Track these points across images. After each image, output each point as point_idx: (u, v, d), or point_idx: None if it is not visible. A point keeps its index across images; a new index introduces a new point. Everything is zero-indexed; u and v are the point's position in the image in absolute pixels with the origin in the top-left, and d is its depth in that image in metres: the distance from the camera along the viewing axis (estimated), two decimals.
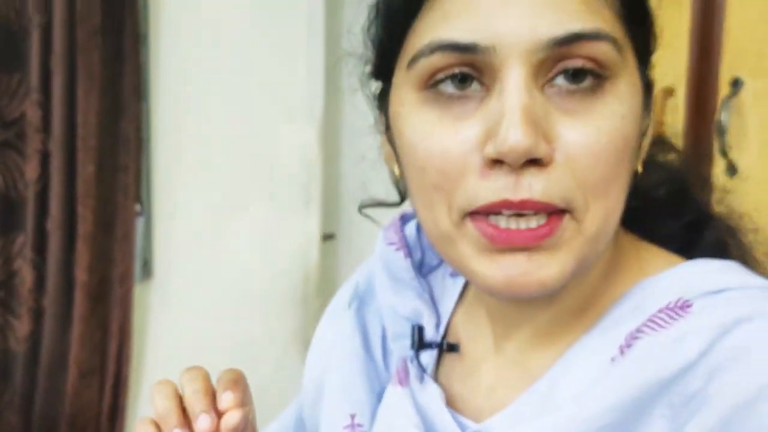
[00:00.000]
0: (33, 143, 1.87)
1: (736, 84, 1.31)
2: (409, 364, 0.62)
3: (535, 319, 0.58)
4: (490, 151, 0.48)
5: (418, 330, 0.63)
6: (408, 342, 0.63)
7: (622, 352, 0.52)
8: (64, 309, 1.95)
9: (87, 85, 1.92)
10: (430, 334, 0.63)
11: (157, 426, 0.60)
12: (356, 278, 0.74)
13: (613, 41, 0.50)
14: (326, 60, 2.26)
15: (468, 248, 0.52)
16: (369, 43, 0.60)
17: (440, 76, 0.51)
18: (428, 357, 0.63)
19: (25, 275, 1.90)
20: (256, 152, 2.20)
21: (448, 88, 0.51)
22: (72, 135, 1.91)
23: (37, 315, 1.93)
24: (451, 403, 0.60)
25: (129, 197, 2.02)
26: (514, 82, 0.48)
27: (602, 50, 0.49)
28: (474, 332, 0.63)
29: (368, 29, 0.60)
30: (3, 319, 1.92)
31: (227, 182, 2.18)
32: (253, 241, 2.22)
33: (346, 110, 2.44)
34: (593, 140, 0.49)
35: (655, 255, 0.59)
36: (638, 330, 0.52)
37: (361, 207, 0.79)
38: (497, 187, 0.49)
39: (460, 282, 0.67)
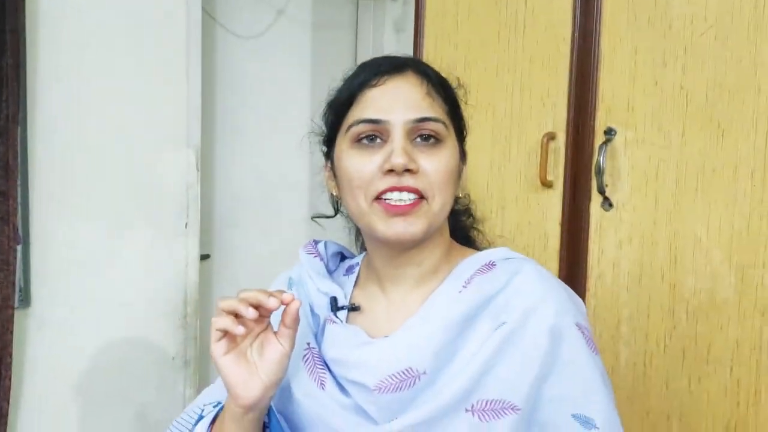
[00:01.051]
0: None
1: (609, 132, 1.57)
2: (334, 317, 1.03)
3: (408, 277, 1.02)
4: (387, 166, 0.95)
5: (334, 299, 1.05)
6: (327, 308, 1.05)
7: (464, 286, 0.99)
8: None
9: None
10: (341, 301, 1.05)
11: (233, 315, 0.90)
12: (287, 275, 1.14)
13: (443, 123, 0.98)
14: (203, 88, 2.31)
15: (375, 218, 0.97)
16: (323, 125, 1.06)
17: (362, 136, 0.98)
18: (341, 315, 1.04)
19: None
20: (134, 176, 2.21)
21: (365, 141, 0.98)
22: None
23: None
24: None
25: (8, 224, 1.96)
26: (397, 137, 0.96)
27: (438, 126, 0.98)
28: (367, 298, 1.06)
29: (323, 116, 1.05)
30: None
31: (106, 207, 2.16)
32: (133, 265, 2.22)
33: (220, 135, 2.50)
34: (436, 166, 0.96)
35: (468, 249, 1.08)
36: (471, 277, 1.00)
37: (313, 217, 1.18)
38: (390, 182, 0.95)
39: (353, 276, 1.10)
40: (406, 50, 2.35)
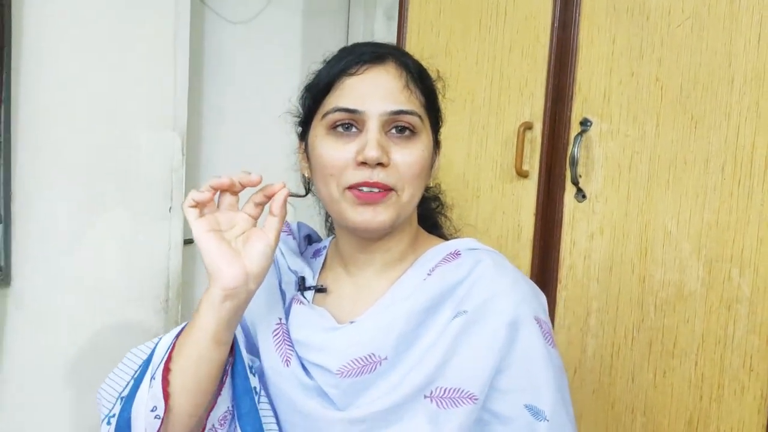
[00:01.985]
0: None
1: (585, 123, 1.56)
2: (301, 297, 1.05)
3: (375, 263, 1.04)
4: (360, 158, 0.95)
5: (302, 278, 1.07)
6: (294, 286, 1.07)
7: (429, 274, 1.01)
8: None
9: None
10: (309, 282, 1.07)
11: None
12: None
13: (418, 116, 0.99)
14: (190, 72, 2.30)
15: (345, 205, 0.97)
16: (300, 106, 1.06)
17: (338, 123, 0.98)
18: (308, 295, 1.06)
19: None
20: (119, 158, 2.20)
21: (341, 129, 0.98)
22: None
23: None
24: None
25: None
26: (372, 129, 0.96)
27: (413, 119, 0.98)
28: (334, 281, 1.07)
29: (300, 99, 1.06)
30: None
31: (89, 188, 2.16)
32: (115, 247, 2.22)
33: (207, 121, 2.49)
34: (408, 159, 0.97)
35: (435, 237, 1.10)
36: (436, 265, 1.01)
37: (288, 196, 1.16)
38: (363, 175, 0.95)
39: (320, 258, 1.12)
40: (396, 38, 2.35)
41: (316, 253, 1.14)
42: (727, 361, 1.37)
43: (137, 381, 0.96)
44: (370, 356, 0.96)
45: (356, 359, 0.96)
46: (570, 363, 1.54)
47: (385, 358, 0.95)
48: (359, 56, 0.99)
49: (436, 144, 1.05)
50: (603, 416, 1.51)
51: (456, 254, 1.02)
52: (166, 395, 0.92)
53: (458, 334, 0.94)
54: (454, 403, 0.92)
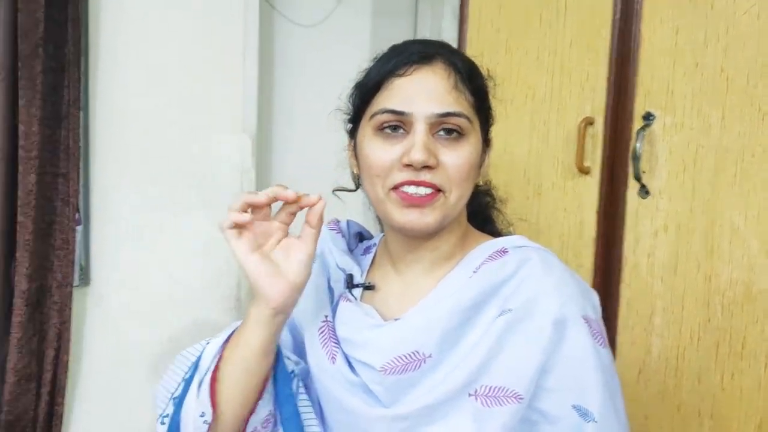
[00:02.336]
0: None
1: (648, 117, 1.51)
2: (349, 295, 1.06)
3: (423, 261, 1.03)
4: (405, 160, 0.95)
5: (350, 276, 1.08)
6: (343, 284, 1.08)
7: (474, 272, 0.99)
8: (3, 316, 1.97)
9: (29, 95, 1.94)
10: (357, 279, 1.08)
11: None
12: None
13: (467, 117, 0.97)
14: (260, 75, 2.35)
15: (391, 206, 0.97)
16: (350, 104, 1.07)
17: (385, 125, 0.98)
18: (356, 292, 1.07)
19: None
20: (192, 161, 2.27)
21: (388, 131, 0.98)
22: (14, 145, 1.92)
23: None
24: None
25: (69, 206, 2.05)
26: (419, 131, 0.95)
27: (461, 121, 0.97)
28: (382, 278, 1.07)
29: (350, 97, 1.07)
30: None
31: (163, 191, 2.23)
32: (189, 247, 2.29)
33: (276, 123, 2.54)
34: (456, 161, 0.96)
35: (484, 235, 1.08)
36: (482, 263, 1.00)
37: (334, 191, 1.22)
38: (407, 175, 0.95)
39: (369, 256, 1.13)
40: (464, 37, 2.33)
41: (366, 251, 1.14)
42: None
43: (187, 383, 1.00)
44: (413, 354, 0.96)
45: (400, 356, 0.96)
46: (634, 363, 1.50)
47: (430, 356, 0.95)
48: (408, 56, 0.98)
49: (486, 143, 1.04)
50: (669, 419, 1.46)
51: (503, 252, 1.01)
52: (214, 403, 0.96)
53: (503, 333, 0.93)
54: (499, 402, 0.91)
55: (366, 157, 0.98)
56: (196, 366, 1.01)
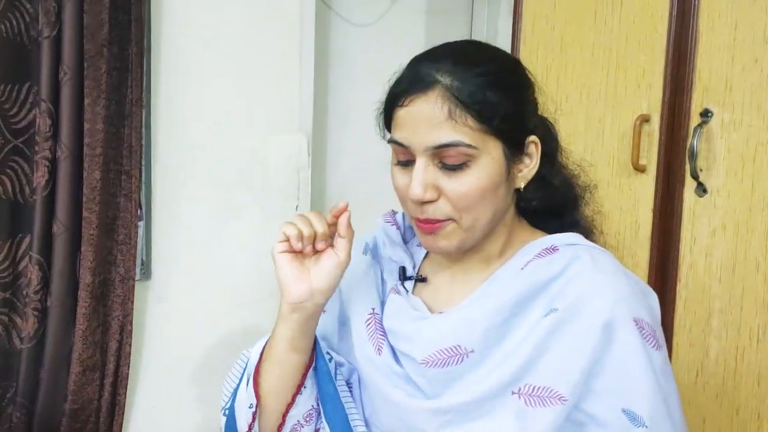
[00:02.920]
0: (41, 150, 1.95)
1: (705, 114, 1.49)
2: (400, 287, 1.06)
3: (472, 259, 1.03)
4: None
5: (402, 269, 1.08)
6: (396, 276, 1.09)
7: (522, 269, 0.98)
8: (68, 308, 2.04)
9: (94, 94, 2.01)
10: (409, 272, 1.08)
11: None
12: (364, 241, 1.15)
13: (467, 145, 0.93)
14: (316, 75, 2.38)
15: (416, 230, 0.99)
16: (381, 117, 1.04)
17: (398, 153, 0.98)
18: (408, 285, 1.08)
19: (32, 276, 1.98)
20: (249, 160, 2.31)
21: (401, 159, 0.98)
22: (79, 142, 1.99)
23: (43, 314, 2.01)
24: (426, 308, 1.04)
25: (131, 202, 2.11)
26: (419, 166, 0.95)
27: (461, 150, 0.93)
28: (435, 271, 1.07)
29: (379, 114, 1.04)
30: (8, 318, 2.00)
31: (222, 188, 2.28)
32: (245, 245, 2.33)
33: (332, 122, 2.57)
34: (459, 190, 0.94)
35: (538, 232, 1.05)
36: (531, 260, 0.98)
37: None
38: (415, 210, 0.96)
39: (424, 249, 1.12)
40: (518, 35, 2.32)
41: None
42: None
43: (240, 379, 1.08)
44: (455, 348, 0.96)
45: (441, 350, 0.97)
46: (691, 365, 1.48)
47: (472, 351, 0.95)
48: (407, 84, 0.96)
49: (520, 148, 0.98)
50: (727, 422, 1.44)
51: (553, 249, 0.99)
52: (258, 396, 1.04)
53: (550, 332, 0.92)
54: (543, 403, 0.91)
55: (393, 180, 1.01)
56: (247, 362, 1.09)
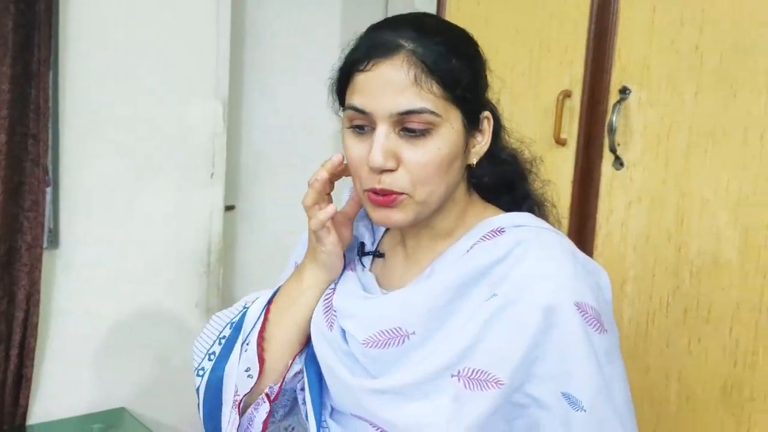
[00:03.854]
0: None
1: (624, 92, 1.56)
2: (357, 263, 1.08)
3: (423, 236, 1.03)
4: (368, 174, 0.94)
5: (362, 244, 1.09)
6: (356, 251, 1.09)
7: (468, 251, 0.98)
8: None
9: (0, 52, 1.91)
10: (368, 247, 1.09)
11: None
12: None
13: (432, 112, 0.92)
14: (232, 40, 2.34)
15: (367, 203, 0.97)
16: (333, 90, 1.02)
17: (354, 122, 0.96)
18: (366, 260, 1.08)
19: None
20: (164, 125, 2.26)
21: (357, 128, 0.96)
22: None
23: None
24: (379, 284, 1.05)
25: (38, 166, 2.02)
26: (380, 132, 0.93)
27: (425, 117, 0.92)
28: (392, 247, 1.07)
29: (331, 84, 1.01)
30: None
31: (135, 153, 2.22)
32: (160, 212, 2.28)
33: (248, 88, 2.53)
34: (420, 160, 0.93)
35: (491, 208, 1.05)
36: (476, 243, 0.98)
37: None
38: (372, 181, 0.94)
39: None
40: (443, 11, 2.35)
41: None
42: (762, 327, 1.38)
43: (228, 342, 1.09)
44: (396, 329, 0.96)
45: (382, 331, 0.96)
46: None
47: (414, 333, 0.95)
48: (369, 49, 0.93)
49: (476, 123, 0.98)
50: (638, 382, 1.53)
51: (499, 231, 0.98)
52: (261, 360, 1.06)
53: (491, 317, 0.92)
54: (481, 386, 0.91)
55: (345, 151, 0.99)
56: (237, 327, 1.09)
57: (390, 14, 2.72)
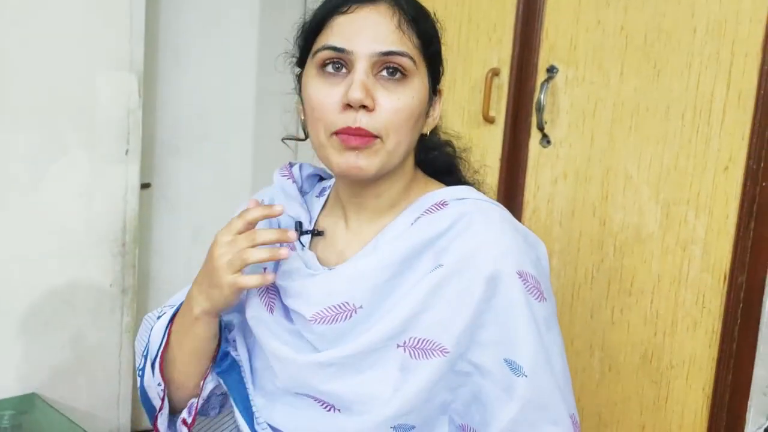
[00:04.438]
0: None
1: (551, 70, 1.60)
2: (297, 243, 1.05)
3: (367, 208, 1.02)
4: (344, 99, 0.93)
5: (299, 224, 1.07)
6: (293, 230, 1.05)
7: (411, 224, 0.99)
8: None
9: None
10: (306, 226, 1.07)
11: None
12: (259, 197, 1.12)
13: (411, 58, 0.94)
14: (146, 12, 2.26)
15: (332, 150, 0.95)
16: (296, 45, 1.03)
17: (327, 62, 0.95)
18: (305, 239, 1.07)
19: None
20: (75, 99, 2.16)
21: (330, 69, 0.95)
22: None
23: None
24: (320, 262, 1.04)
25: None
26: (360, 70, 0.93)
27: (404, 61, 0.94)
28: (332, 223, 1.06)
29: (296, 39, 1.02)
30: None
31: (45, 130, 2.12)
32: (72, 189, 2.19)
33: (162, 62, 2.45)
34: (395, 105, 0.94)
35: (433, 183, 1.07)
36: (420, 215, 0.99)
37: (284, 139, 1.19)
38: (346, 120, 0.93)
39: (322, 198, 1.11)
40: None
41: (322, 192, 1.12)
42: (681, 298, 1.45)
43: (145, 357, 1.11)
44: (343, 305, 0.96)
45: (330, 307, 0.97)
46: None
47: (360, 307, 0.96)
48: None
49: (435, 92, 1.02)
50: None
51: (442, 204, 1.00)
52: (166, 380, 1.07)
53: (434, 287, 0.94)
54: (425, 355, 0.93)
55: (309, 99, 0.96)
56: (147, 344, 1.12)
57: None
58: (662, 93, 1.46)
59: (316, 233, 1.06)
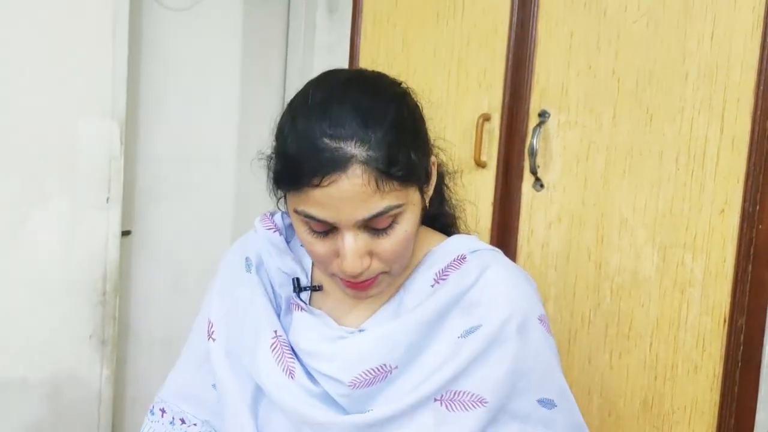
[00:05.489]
0: None
1: (543, 115, 1.60)
2: (297, 300, 1.03)
3: None
4: (340, 271, 0.93)
5: (297, 280, 1.04)
6: (289, 288, 1.05)
7: (436, 281, 1.00)
8: None
9: None
10: (303, 282, 1.04)
11: None
12: (242, 255, 1.09)
13: (396, 206, 0.90)
14: (129, 60, 2.24)
15: (336, 279, 0.96)
16: (270, 167, 0.96)
17: (311, 227, 0.92)
18: (305, 296, 1.05)
19: None
20: (57, 147, 2.12)
21: (316, 229, 0.92)
22: None
23: None
24: (336, 321, 1.03)
25: None
26: (348, 239, 0.91)
27: (390, 214, 0.91)
28: (329, 279, 1.01)
29: (268, 157, 0.96)
30: None
31: (26, 176, 2.08)
32: (52, 238, 2.14)
33: (144, 110, 2.43)
34: (392, 246, 0.92)
35: (432, 233, 1.07)
36: (444, 271, 1.00)
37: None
38: (345, 275, 0.92)
39: None
40: (341, 30, 2.34)
41: None
42: (681, 342, 1.44)
43: None
44: (381, 367, 0.97)
45: (369, 370, 0.97)
46: None
47: (396, 367, 0.97)
48: (318, 164, 0.87)
49: (426, 178, 0.98)
50: None
51: (462, 259, 1.01)
52: None
53: (471, 346, 0.96)
54: (464, 407, 0.95)
55: (298, 234, 0.95)
56: None
57: (291, 37, 2.69)
58: (655, 137, 1.47)
59: (315, 288, 1.04)
